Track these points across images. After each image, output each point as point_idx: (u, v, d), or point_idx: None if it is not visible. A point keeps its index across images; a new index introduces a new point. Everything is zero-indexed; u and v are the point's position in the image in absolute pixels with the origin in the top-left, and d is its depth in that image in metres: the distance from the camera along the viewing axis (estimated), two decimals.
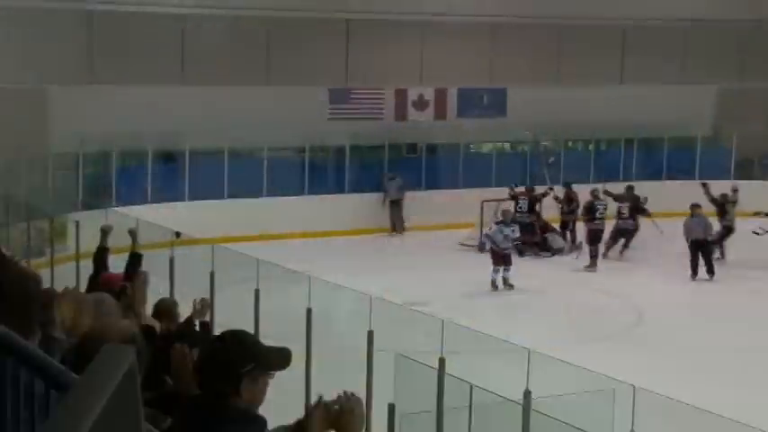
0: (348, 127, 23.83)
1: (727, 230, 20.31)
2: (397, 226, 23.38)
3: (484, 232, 19.93)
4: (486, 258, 18.82)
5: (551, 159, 24.13)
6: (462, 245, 21.53)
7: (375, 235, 22.84)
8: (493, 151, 25.60)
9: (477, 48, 25.86)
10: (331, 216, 22.70)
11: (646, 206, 20.88)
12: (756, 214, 19.66)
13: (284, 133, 22.95)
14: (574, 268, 19.81)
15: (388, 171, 23.92)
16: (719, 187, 21.12)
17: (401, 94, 24.89)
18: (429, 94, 25.15)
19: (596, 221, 20.24)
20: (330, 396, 3.42)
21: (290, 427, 3.45)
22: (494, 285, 18.07)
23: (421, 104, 25.05)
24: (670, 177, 25.74)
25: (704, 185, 20.78)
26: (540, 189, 21.76)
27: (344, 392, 3.42)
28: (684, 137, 26.94)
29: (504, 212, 19.53)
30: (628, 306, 16.68)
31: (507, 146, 27.30)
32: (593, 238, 20.12)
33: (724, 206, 20.60)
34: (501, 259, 18.29)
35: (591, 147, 26.81)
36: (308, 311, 10.05)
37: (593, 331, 15.26)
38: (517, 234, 18.86)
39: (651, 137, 26.68)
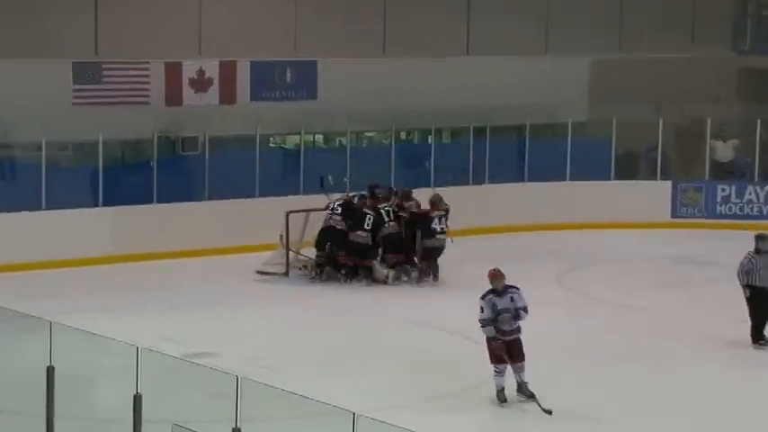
0: (101, 115, 23.43)
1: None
2: None
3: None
4: (294, 288, 18.80)
5: None
6: (261, 273, 21.51)
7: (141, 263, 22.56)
8: (300, 146, 25.67)
9: (276, 7, 25.91)
10: (85, 237, 22.30)
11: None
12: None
13: (10, 124, 22.36)
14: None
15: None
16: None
17: (174, 70, 24.72)
18: (212, 70, 25.07)
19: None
20: None
21: None
22: (501, 397, 14.16)
23: (201, 83, 24.95)
24: (533, 178, 26.35)
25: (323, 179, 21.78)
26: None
27: None
28: (551, 124, 27.69)
29: (494, 274, 14.39)
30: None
31: (320, 138, 27.45)
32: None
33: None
34: (504, 352, 14.22)
35: (430, 139, 27.22)
36: (50, 370, 9.95)
37: (438, 385, 15.43)
38: (521, 303, 14.26)
39: (508, 125, 27.27)
